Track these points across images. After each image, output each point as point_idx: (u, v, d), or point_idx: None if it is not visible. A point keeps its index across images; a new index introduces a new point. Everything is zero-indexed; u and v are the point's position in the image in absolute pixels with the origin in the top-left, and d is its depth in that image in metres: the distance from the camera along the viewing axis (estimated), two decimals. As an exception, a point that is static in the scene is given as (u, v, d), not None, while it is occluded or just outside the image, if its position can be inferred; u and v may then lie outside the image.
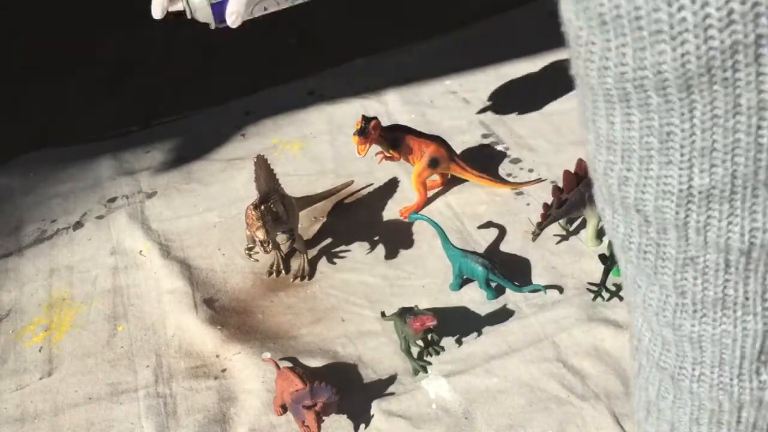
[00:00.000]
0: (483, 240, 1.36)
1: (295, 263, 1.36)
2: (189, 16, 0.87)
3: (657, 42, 0.39)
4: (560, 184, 1.27)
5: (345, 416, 1.09)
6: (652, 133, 0.44)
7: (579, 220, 1.36)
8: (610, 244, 1.20)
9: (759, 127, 0.41)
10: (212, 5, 0.86)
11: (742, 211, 0.45)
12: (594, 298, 1.21)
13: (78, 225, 1.53)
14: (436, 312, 1.10)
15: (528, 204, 1.42)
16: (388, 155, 1.43)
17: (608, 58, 0.42)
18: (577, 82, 0.47)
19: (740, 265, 0.48)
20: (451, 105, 1.74)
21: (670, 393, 0.58)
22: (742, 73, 0.39)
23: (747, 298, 0.50)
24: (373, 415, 1.09)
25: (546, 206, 1.23)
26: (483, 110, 1.70)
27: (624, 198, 0.48)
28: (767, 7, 0.36)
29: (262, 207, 1.22)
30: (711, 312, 0.51)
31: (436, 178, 1.47)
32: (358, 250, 1.38)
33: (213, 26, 0.89)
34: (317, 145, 1.67)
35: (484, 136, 1.62)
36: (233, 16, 0.85)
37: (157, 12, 0.86)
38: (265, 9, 0.90)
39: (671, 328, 0.54)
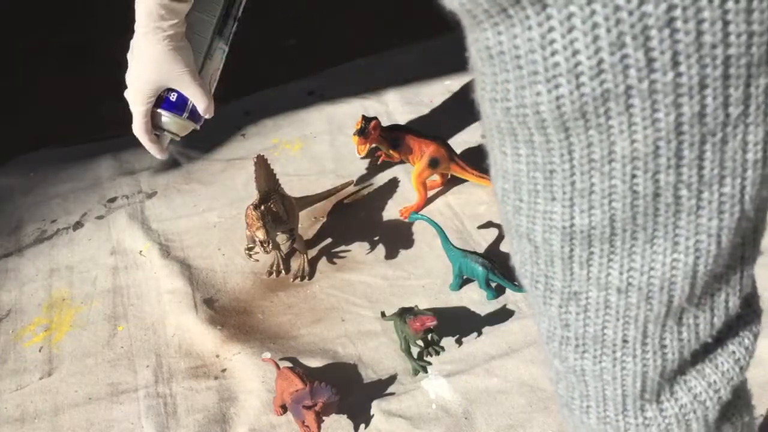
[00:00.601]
0: (483, 240, 1.36)
1: (295, 263, 1.36)
2: (178, 139, 0.96)
3: (534, 83, 0.40)
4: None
5: (345, 416, 1.09)
6: (538, 169, 0.44)
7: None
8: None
9: (633, 176, 0.41)
10: (187, 119, 0.93)
11: (621, 251, 0.45)
12: (594, 298, 1.21)
13: (78, 225, 1.53)
14: (436, 312, 1.10)
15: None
16: (388, 155, 1.43)
17: (496, 91, 0.43)
18: (479, 111, 0.48)
19: (620, 308, 0.48)
20: (451, 105, 1.74)
21: (570, 421, 0.59)
22: (615, 121, 0.39)
23: (626, 341, 0.50)
24: (373, 415, 1.09)
25: (546, 206, 1.23)
26: (483, 110, 1.70)
27: (518, 226, 0.49)
28: (636, 60, 0.37)
29: (262, 207, 1.23)
30: (591, 348, 0.51)
31: (436, 178, 1.47)
32: (358, 250, 1.38)
33: (199, 126, 0.97)
34: (317, 145, 1.67)
35: (484, 136, 1.62)
36: (207, 112, 0.93)
37: (158, 155, 0.96)
38: (215, 80, 0.98)
39: (559, 359, 0.54)
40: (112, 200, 1.59)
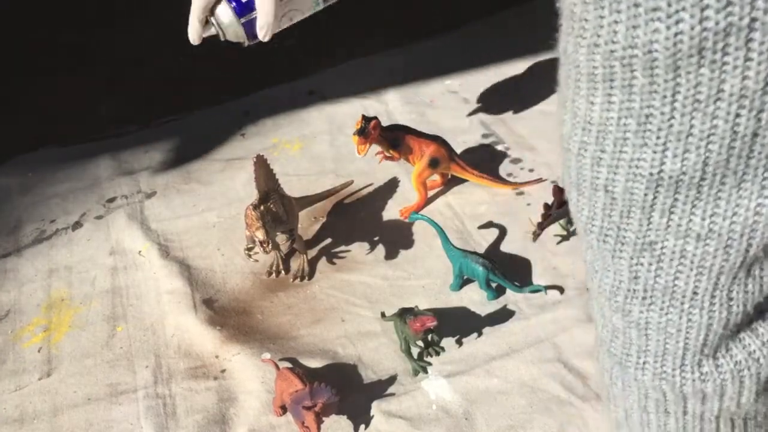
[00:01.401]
0: (483, 240, 1.36)
1: (295, 263, 1.35)
2: (222, 38, 0.89)
3: (652, 20, 0.40)
4: (560, 184, 1.27)
5: (345, 417, 1.08)
6: (631, 115, 0.44)
7: (579, 220, 1.35)
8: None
9: (737, 115, 0.41)
10: (243, 24, 0.87)
11: (707, 196, 0.46)
12: (594, 299, 1.20)
13: (77, 225, 1.53)
14: (436, 312, 1.10)
15: (528, 204, 1.42)
16: (388, 155, 1.43)
17: (599, 35, 0.43)
18: (562, 61, 0.48)
19: (696, 257, 0.49)
20: (451, 105, 1.73)
21: (619, 380, 0.60)
22: (731, 57, 0.39)
23: (695, 293, 0.51)
24: (373, 416, 1.08)
25: (546, 206, 1.23)
26: (483, 110, 1.70)
27: (594, 179, 0.49)
28: None
29: (262, 207, 1.22)
30: (659, 300, 0.52)
31: (436, 178, 1.47)
32: (358, 250, 1.38)
33: (246, 44, 0.91)
34: (317, 145, 1.67)
35: (484, 136, 1.62)
36: (263, 30, 0.87)
37: (194, 38, 0.89)
38: (291, 20, 0.92)
39: (621, 313, 0.55)
40: (111, 200, 1.59)
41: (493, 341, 1.17)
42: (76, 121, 1.88)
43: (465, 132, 1.63)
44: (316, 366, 1.17)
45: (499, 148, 1.58)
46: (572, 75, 0.47)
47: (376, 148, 1.41)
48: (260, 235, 1.18)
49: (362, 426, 1.07)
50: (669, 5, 0.39)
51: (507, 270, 1.23)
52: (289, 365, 1.14)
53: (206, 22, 0.88)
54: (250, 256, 1.32)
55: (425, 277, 1.30)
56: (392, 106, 1.74)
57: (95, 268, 1.42)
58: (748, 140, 0.42)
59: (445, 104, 1.74)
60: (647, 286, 0.51)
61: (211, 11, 0.86)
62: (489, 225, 1.38)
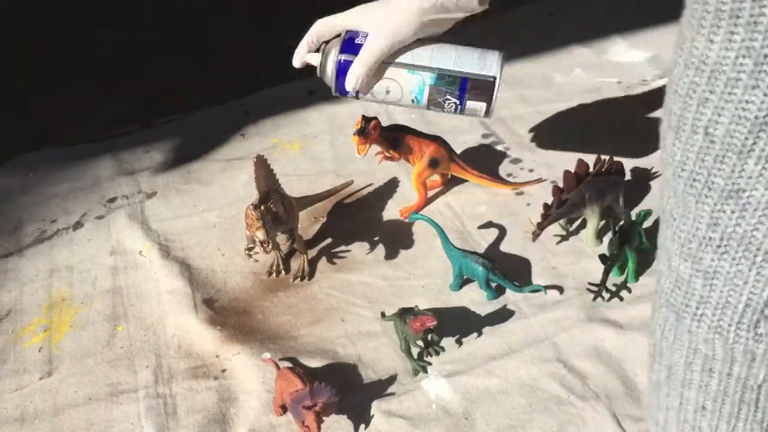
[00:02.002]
0: (483, 240, 1.36)
1: (295, 263, 1.36)
2: (318, 74, 0.92)
3: None
4: (560, 184, 1.27)
5: (345, 417, 1.08)
6: (750, 55, 0.46)
7: (579, 220, 1.36)
8: (610, 244, 1.20)
9: None
10: (339, 62, 0.90)
11: None
12: (594, 299, 1.21)
13: (78, 225, 1.53)
14: (436, 312, 1.10)
15: (528, 204, 1.42)
16: (388, 155, 1.43)
17: None
18: (688, 1, 0.49)
19: None
20: (451, 105, 1.73)
21: (672, 333, 0.60)
22: None
23: None
24: (373, 416, 1.09)
25: (546, 206, 1.23)
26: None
27: (697, 120, 0.50)
28: None
29: (262, 207, 1.22)
30: (733, 250, 0.53)
31: (436, 178, 1.47)
32: (358, 250, 1.38)
33: (333, 91, 0.94)
34: (317, 145, 1.67)
35: (484, 136, 1.62)
36: (351, 81, 0.89)
37: (297, 62, 0.93)
38: (387, 91, 0.94)
39: (691, 261, 0.56)
40: (112, 200, 1.59)
41: (493, 341, 1.17)
42: (76, 121, 1.88)
43: (465, 132, 1.63)
44: (316, 366, 1.17)
45: (499, 148, 1.58)
46: (697, 13, 0.48)
47: (376, 148, 1.41)
48: (260, 235, 1.19)
49: (362, 426, 1.08)
50: None
51: (507, 270, 1.24)
52: (290, 365, 1.14)
53: (316, 50, 0.90)
54: (250, 256, 1.32)
55: (425, 277, 1.30)
56: (392, 106, 1.75)
57: (96, 268, 1.42)
58: None
59: (445, 104, 1.74)
60: (725, 234, 0.52)
61: (325, 46, 0.89)
62: (489, 225, 1.39)
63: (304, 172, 1.59)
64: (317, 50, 0.91)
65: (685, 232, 0.55)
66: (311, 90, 1.85)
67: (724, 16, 0.46)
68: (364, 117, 1.36)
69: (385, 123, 1.43)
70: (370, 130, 1.34)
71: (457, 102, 0.90)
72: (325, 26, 0.89)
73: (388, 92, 0.91)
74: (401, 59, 0.88)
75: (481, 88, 0.90)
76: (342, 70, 0.90)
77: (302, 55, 0.90)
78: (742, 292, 0.54)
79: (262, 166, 1.28)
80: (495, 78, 0.88)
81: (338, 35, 0.90)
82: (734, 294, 0.54)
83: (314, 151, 1.65)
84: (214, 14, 2.32)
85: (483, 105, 0.90)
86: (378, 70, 0.88)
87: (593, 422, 1.04)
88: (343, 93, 0.91)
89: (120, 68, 2.10)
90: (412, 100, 0.92)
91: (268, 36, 2.14)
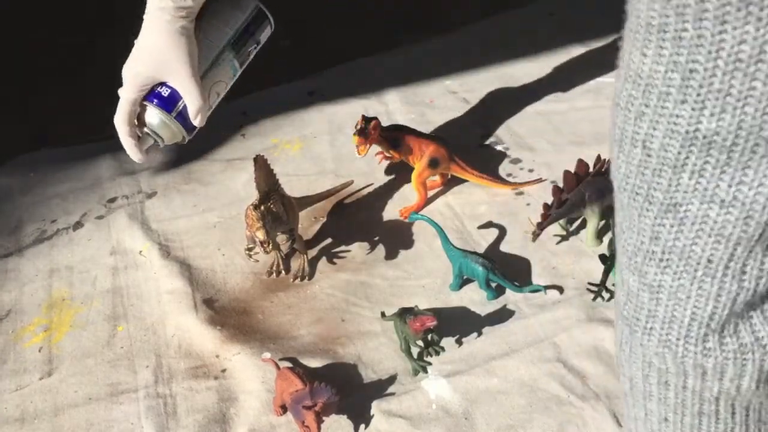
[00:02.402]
0: (483, 240, 1.36)
1: (295, 263, 1.36)
2: (162, 145, 0.88)
3: None
4: (560, 184, 1.27)
5: (345, 416, 1.08)
6: (677, 69, 0.46)
7: (579, 220, 1.36)
8: (610, 244, 1.20)
9: None
10: (175, 118, 0.85)
11: (737, 163, 0.46)
12: (594, 299, 1.21)
13: (78, 225, 1.53)
14: (436, 312, 1.10)
15: (528, 204, 1.42)
16: (388, 155, 1.43)
17: None
18: (628, 14, 0.49)
19: (716, 224, 0.49)
20: (451, 105, 1.73)
21: (628, 346, 0.60)
22: None
23: (710, 260, 0.51)
24: (373, 416, 1.09)
25: (546, 206, 1.23)
26: (482, 110, 1.70)
27: (635, 133, 0.50)
28: None
29: (262, 207, 1.22)
30: (674, 264, 0.53)
31: (436, 178, 1.47)
32: (358, 250, 1.38)
33: (186, 139, 0.88)
34: (317, 145, 1.67)
35: (484, 136, 1.62)
36: (197, 115, 0.85)
37: (136, 156, 0.86)
38: (218, 94, 0.92)
39: (638, 274, 0.56)
40: (112, 200, 1.59)
41: (493, 341, 1.17)
42: (76, 121, 1.88)
43: (465, 132, 1.63)
44: (316, 366, 1.17)
45: (499, 148, 1.58)
46: (633, 26, 0.48)
47: (376, 148, 1.41)
48: (260, 235, 1.19)
49: (362, 426, 1.08)
50: None
51: (507, 270, 1.24)
52: (290, 365, 1.14)
53: (139, 137, 0.86)
54: (250, 256, 1.32)
55: (425, 277, 1.30)
56: (392, 106, 1.75)
57: (96, 268, 1.42)
58: None
59: (444, 104, 1.74)
60: (666, 247, 0.52)
61: (140, 123, 0.84)
62: (489, 225, 1.39)
63: (304, 172, 1.59)
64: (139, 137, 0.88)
65: (631, 245, 0.55)
66: (311, 90, 1.85)
67: (653, 31, 0.46)
68: (364, 117, 1.36)
69: (385, 123, 1.43)
70: (370, 131, 1.34)
71: (257, 45, 0.92)
72: (125, 108, 0.85)
73: (218, 95, 0.91)
74: (206, 69, 0.88)
75: (257, 21, 0.91)
76: (184, 124, 0.88)
77: (134, 146, 0.85)
78: (686, 306, 0.54)
79: (263, 166, 1.28)
80: (257, 7, 0.90)
81: (142, 105, 0.87)
82: (679, 308, 0.54)
83: (314, 151, 1.65)
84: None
85: (267, 25, 0.92)
86: (204, 80, 0.86)
87: (593, 422, 1.04)
88: (192, 129, 0.90)
89: (120, 68, 2.10)
90: (233, 77, 0.93)
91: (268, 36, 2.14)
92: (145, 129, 0.86)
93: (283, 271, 1.35)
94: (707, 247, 0.51)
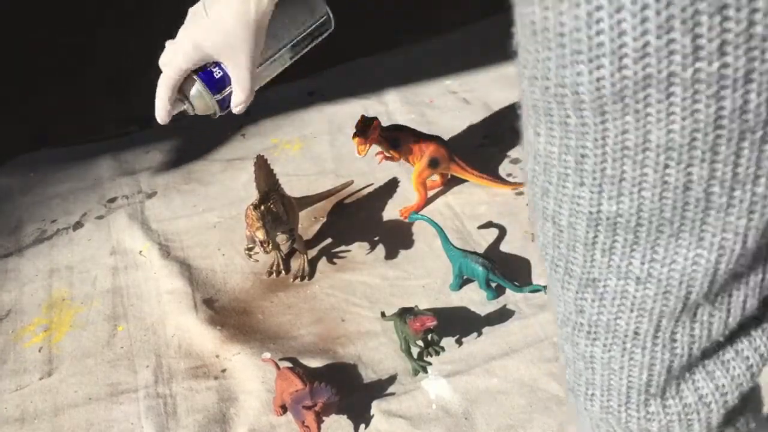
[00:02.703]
0: (483, 240, 1.36)
1: (295, 263, 1.36)
2: (191, 113, 0.88)
3: (576, 62, 0.39)
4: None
5: (345, 416, 1.08)
6: (569, 152, 0.44)
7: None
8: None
9: (666, 166, 0.40)
10: (217, 101, 0.85)
11: (645, 242, 0.45)
12: (594, 299, 1.21)
13: (78, 225, 1.53)
14: (436, 312, 1.10)
15: (528, 204, 1.42)
16: (388, 155, 1.43)
17: (536, 69, 0.42)
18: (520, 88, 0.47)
19: (636, 299, 0.48)
20: (451, 105, 1.73)
21: (574, 408, 0.59)
22: (653, 108, 0.39)
23: (637, 333, 0.49)
24: (373, 416, 1.09)
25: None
26: (482, 110, 1.70)
27: (545, 209, 0.48)
28: (682, 46, 0.36)
29: (262, 207, 1.22)
30: (602, 336, 0.51)
31: (436, 178, 1.47)
32: (358, 250, 1.38)
33: (217, 115, 0.88)
34: (317, 145, 1.67)
35: (484, 136, 1.62)
36: (240, 107, 0.85)
37: (163, 118, 0.85)
38: (262, 83, 0.91)
39: (570, 344, 0.55)
40: (112, 200, 1.59)
41: (493, 341, 1.17)
42: (76, 121, 1.88)
43: (465, 132, 1.63)
44: (316, 366, 1.17)
45: (499, 148, 1.58)
46: (523, 102, 0.46)
47: (376, 148, 1.41)
48: (260, 235, 1.19)
49: (362, 426, 1.08)
50: (589, 50, 0.38)
51: (507, 270, 1.24)
52: (290, 365, 1.14)
53: (175, 100, 0.84)
54: (250, 256, 1.32)
55: (425, 277, 1.30)
56: (392, 106, 1.75)
57: (96, 267, 1.42)
58: (680, 192, 0.41)
59: (444, 104, 1.74)
60: (591, 321, 0.51)
61: (180, 89, 0.83)
62: (489, 225, 1.39)
63: (304, 172, 1.59)
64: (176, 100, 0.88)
65: (560, 314, 0.54)
66: (311, 90, 1.85)
67: (540, 112, 0.44)
68: (364, 117, 1.36)
69: (385, 123, 1.43)
70: (370, 130, 1.34)
71: (309, 47, 0.91)
72: (169, 75, 0.84)
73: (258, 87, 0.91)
74: (261, 63, 0.87)
75: (323, 25, 0.90)
76: (225, 106, 0.88)
77: (167, 109, 0.84)
78: (621, 375, 0.52)
79: (263, 167, 1.28)
80: (327, 13, 0.89)
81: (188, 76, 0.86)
82: (615, 377, 0.53)
83: (314, 151, 1.65)
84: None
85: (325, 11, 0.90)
86: (258, 72, 0.86)
87: (593, 422, 1.04)
88: (227, 111, 0.89)
89: (120, 68, 2.10)
90: (278, 73, 0.92)
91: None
92: (185, 99, 0.85)
93: (283, 271, 1.35)
94: (631, 321, 0.49)
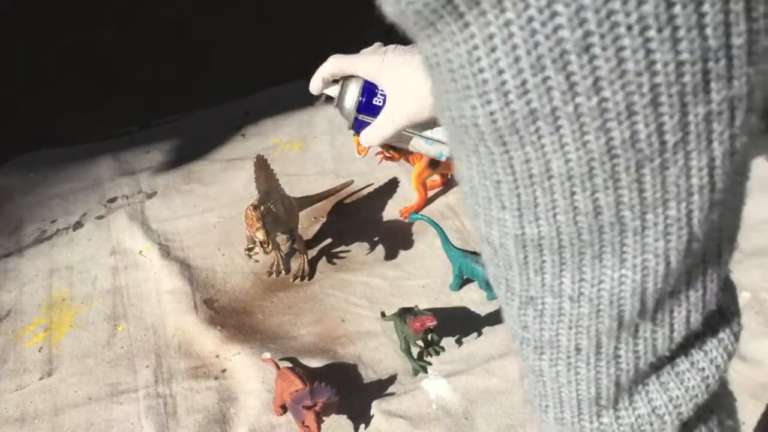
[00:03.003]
0: (483, 240, 1.36)
1: (295, 263, 1.36)
2: (335, 106, 0.91)
3: (468, 96, 0.40)
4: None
5: (345, 416, 1.08)
6: (487, 178, 0.44)
7: (579, 220, 1.36)
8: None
9: (573, 193, 0.41)
10: (356, 119, 0.88)
11: (571, 263, 0.45)
12: (594, 299, 1.21)
13: (78, 225, 1.53)
14: (436, 312, 1.10)
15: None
16: (388, 155, 1.43)
17: (441, 99, 0.43)
18: None
19: (573, 317, 0.48)
20: (451, 105, 1.73)
21: (533, 420, 0.60)
22: (547, 140, 0.39)
23: (579, 349, 0.50)
24: (373, 416, 1.09)
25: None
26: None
27: (478, 229, 0.49)
28: (558, 83, 0.36)
29: (262, 207, 1.22)
30: (548, 351, 0.51)
31: (436, 178, 1.47)
32: (358, 250, 1.38)
33: (348, 127, 0.91)
34: (317, 145, 1.67)
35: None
36: (365, 139, 0.88)
37: (314, 88, 0.91)
38: (401, 143, 0.92)
39: (521, 358, 0.55)
40: (112, 200, 1.59)
41: (493, 341, 1.17)
42: (76, 122, 1.88)
43: (465, 132, 1.63)
44: (316, 366, 1.17)
45: (499, 148, 1.58)
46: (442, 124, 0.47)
47: (376, 148, 1.41)
48: (260, 235, 1.19)
49: (362, 426, 1.08)
50: (476, 86, 0.39)
51: (507, 270, 1.23)
52: (290, 365, 1.14)
53: (333, 82, 0.89)
54: (250, 256, 1.32)
55: (425, 277, 1.30)
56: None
57: (96, 267, 1.42)
58: (592, 217, 0.42)
59: (445, 104, 1.74)
60: (535, 336, 0.51)
61: (346, 80, 0.88)
62: (489, 225, 1.39)
63: (304, 172, 1.59)
64: (335, 81, 0.91)
65: (509, 329, 0.54)
66: (311, 90, 1.85)
67: (456, 140, 0.44)
68: (364, 117, 1.35)
69: (385, 123, 1.43)
70: (370, 130, 1.33)
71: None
72: (341, 67, 0.88)
73: (411, 148, 0.91)
74: (418, 131, 0.88)
75: None
76: (357, 127, 0.90)
77: (319, 87, 0.90)
78: (569, 389, 0.52)
79: (263, 167, 1.28)
80: None
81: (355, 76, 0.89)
82: (564, 390, 0.53)
83: (314, 151, 1.65)
84: (214, 14, 2.32)
85: None
86: (390, 136, 0.88)
87: (593, 422, 1.04)
88: (357, 133, 0.91)
89: (120, 68, 2.10)
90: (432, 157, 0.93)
91: (268, 36, 2.14)
92: (340, 89, 0.89)
93: (283, 271, 1.35)
94: (571, 338, 0.49)
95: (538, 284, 0.48)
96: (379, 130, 0.86)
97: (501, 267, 0.49)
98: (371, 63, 0.87)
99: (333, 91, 0.91)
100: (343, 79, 0.89)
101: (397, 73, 0.85)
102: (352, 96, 0.88)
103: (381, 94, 0.87)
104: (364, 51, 0.87)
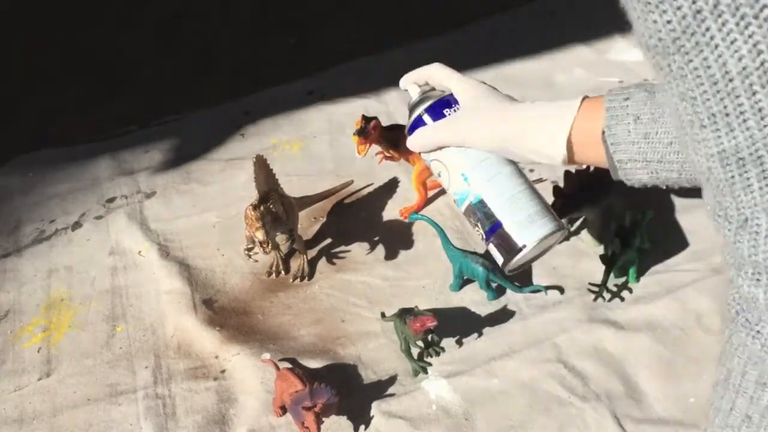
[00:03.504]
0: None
1: (295, 263, 1.35)
2: (409, 105, 0.93)
3: (650, 11, 0.45)
4: (560, 184, 1.27)
5: (345, 417, 1.08)
6: (685, 98, 0.48)
7: (579, 221, 1.35)
8: (611, 244, 1.19)
9: (754, 92, 0.44)
10: (416, 118, 0.90)
11: None
12: (595, 299, 1.20)
13: (77, 225, 1.53)
14: (436, 313, 1.10)
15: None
16: (388, 155, 1.42)
17: (637, 25, 0.48)
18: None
19: None
20: (451, 105, 1.73)
21: (733, 338, 0.60)
22: (718, 38, 0.43)
23: None
24: (372, 416, 1.08)
25: (546, 206, 1.23)
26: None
27: (691, 161, 0.52)
28: None
29: (262, 207, 1.22)
30: (764, 277, 0.52)
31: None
32: (358, 250, 1.38)
33: (405, 131, 0.94)
34: (317, 145, 1.66)
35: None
36: (411, 141, 0.90)
37: (404, 82, 0.95)
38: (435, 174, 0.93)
39: (734, 287, 0.56)
40: (111, 200, 1.58)
41: (493, 341, 1.17)
42: (76, 121, 1.88)
43: (465, 132, 1.62)
44: (316, 366, 1.16)
45: (500, 148, 1.57)
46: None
47: (376, 148, 1.41)
48: (260, 235, 1.18)
49: (362, 426, 1.07)
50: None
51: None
52: (289, 365, 1.14)
53: (418, 86, 0.92)
54: (249, 256, 1.31)
55: (425, 277, 1.30)
56: (392, 106, 1.74)
57: (95, 268, 1.42)
58: None
59: (445, 104, 1.73)
60: (751, 261, 0.52)
61: (427, 90, 0.91)
62: (489, 225, 1.38)
63: (304, 172, 1.58)
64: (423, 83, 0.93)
65: (725, 258, 0.56)
66: (311, 90, 1.85)
67: (657, 68, 0.49)
68: (364, 117, 1.35)
69: (385, 123, 1.42)
70: (370, 130, 1.33)
71: (483, 236, 0.88)
72: (440, 75, 0.91)
73: (439, 175, 0.91)
74: (463, 160, 0.88)
75: (506, 244, 0.84)
76: (415, 124, 0.90)
77: (407, 84, 0.93)
78: None
79: (262, 166, 1.28)
80: (523, 247, 0.84)
81: (443, 91, 0.91)
82: None
83: (314, 151, 1.65)
84: (214, 14, 2.32)
85: (500, 258, 0.86)
86: (441, 150, 0.89)
87: (594, 423, 1.04)
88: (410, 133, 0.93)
89: (120, 68, 2.10)
90: (454, 201, 0.91)
91: (268, 36, 2.14)
92: (421, 87, 0.93)
93: (282, 271, 1.35)
94: None
95: (750, 203, 0.49)
96: (428, 136, 0.87)
97: (717, 195, 0.51)
98: (467, 83, 0.89)
99: (413, 93, 0.93)
100: (431, 86, 0.91)
101: (480, 102, 0.87)
102: (429, 98, 0.89)
103: (455, 111, 0.87)
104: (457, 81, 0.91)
